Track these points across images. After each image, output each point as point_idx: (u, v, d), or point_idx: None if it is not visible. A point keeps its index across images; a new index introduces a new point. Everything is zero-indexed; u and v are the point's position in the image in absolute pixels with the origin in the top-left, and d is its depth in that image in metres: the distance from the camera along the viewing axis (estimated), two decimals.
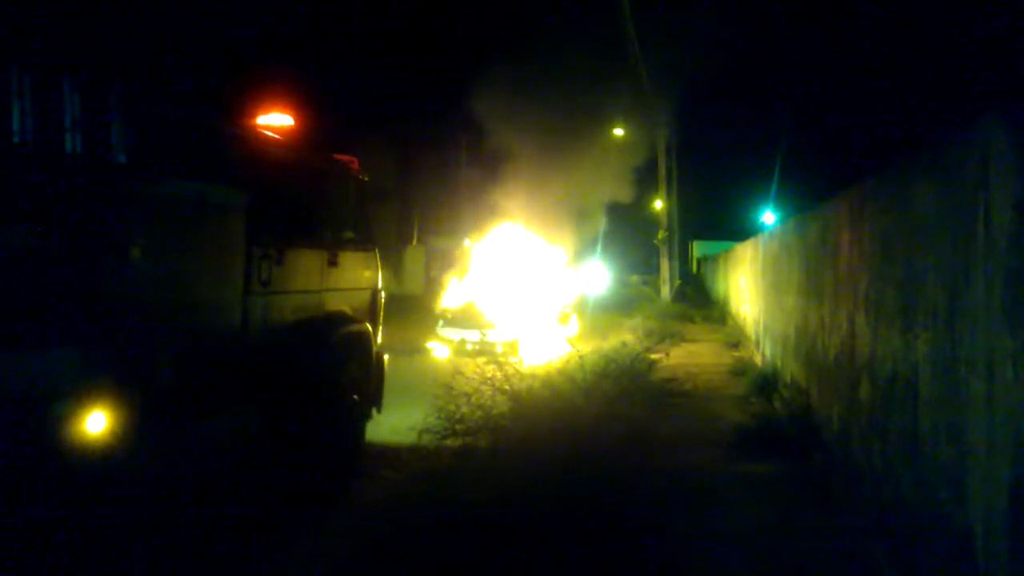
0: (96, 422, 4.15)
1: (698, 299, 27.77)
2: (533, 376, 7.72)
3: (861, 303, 5.35)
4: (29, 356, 3.95)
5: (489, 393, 7.06)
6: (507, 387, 7.14)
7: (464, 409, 6.87)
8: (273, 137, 6.46)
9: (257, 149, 6.07)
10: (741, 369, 12.09)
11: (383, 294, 8.12)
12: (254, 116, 6.59)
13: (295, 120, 6.96)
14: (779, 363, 9.87)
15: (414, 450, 6.87)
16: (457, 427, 6.73)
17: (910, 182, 4.30)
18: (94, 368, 4.21)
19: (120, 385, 4.30)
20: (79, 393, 4.10)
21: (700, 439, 7.17)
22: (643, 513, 4.81)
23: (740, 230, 33.50)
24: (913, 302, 4.12)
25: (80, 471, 4.06)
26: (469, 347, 14.44)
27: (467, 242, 19.53)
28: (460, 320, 15.53)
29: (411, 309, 20.51)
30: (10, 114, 4.14)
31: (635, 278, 40.21)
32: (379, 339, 7.91)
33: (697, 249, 49.28)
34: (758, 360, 12.35)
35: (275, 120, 6.73)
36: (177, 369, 4.90)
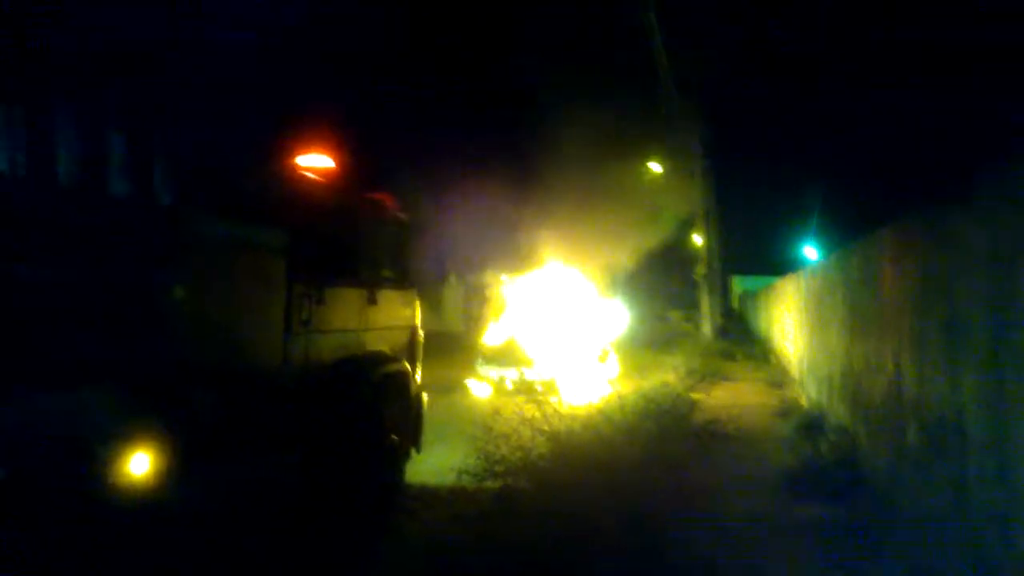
0: (138, 462, 4.20)
1: (740, 336, 27.43)
2: (572, 416, 7.65)
3: (906, 343, 5.24)
4: (72, 396, 4.01)
5: (528, 434, 7.00)
6: (546, 428, 7.08)
7: (503, 450, 6.81)
8: (313, 178, 6.56)
9: (297, 190, 6.16)
10: (785, 410, 11.86)
11: (422, 332, 8.14)
12: (295, 157, 6.70)
13: (335, 160, 7.06)
14: (825, 404, 9.68)
15: (453, 491, 6.83)
16: (496, 468, 6.67)
17: (953, 217, 4.22)
18: (136, 408, 4.26)
19: (162, 425, 4.34)
20: (121, 434, 4.14)
21: (744, 483, 7.01)
22: (688, 561, 4.71)
23: (782, 265, 33.10)
24: (959, 342, 4.02)
25: (122, 511, 4.09)
26: (509, 385, 14.41)
27: (506, 279, 19.55)
28: (499, 358, 15.50)
29: (451, 346, 20.52)
30: (57, 158, 4.27)
31: (676, 314, 39.84)
32: (418, 378, 7.92)
33: (738, 284, 48.79)
34: (803, 400, 12.12)
35: (315, 161, 6.84)
36: (218, 409, 4.94)
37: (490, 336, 17.16)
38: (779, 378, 16.36)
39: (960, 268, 4.06)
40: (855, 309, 7.44)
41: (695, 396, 10.49)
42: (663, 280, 35.52)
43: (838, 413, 8.40)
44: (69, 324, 4.07)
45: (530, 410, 7.37)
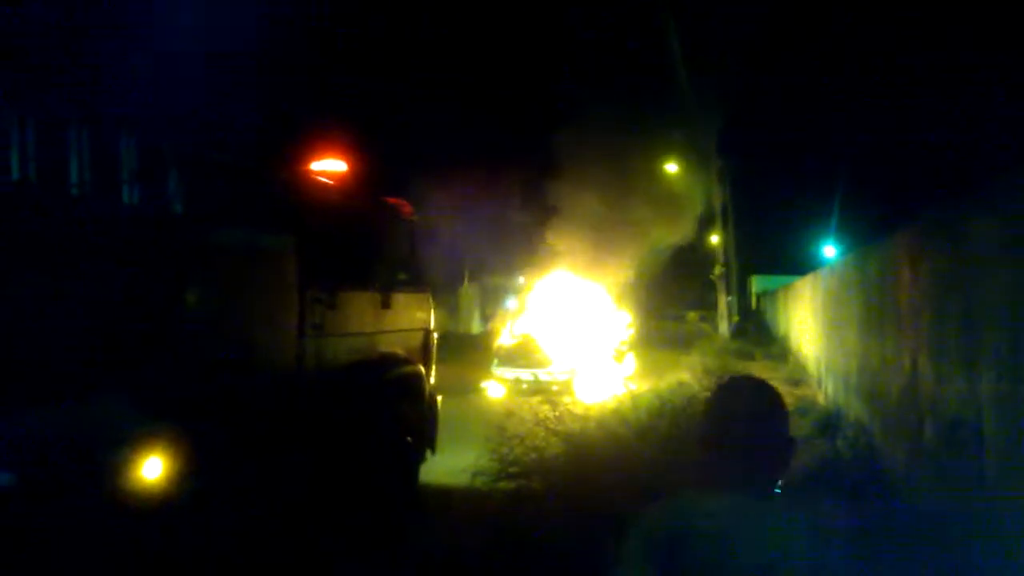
0: (152, 468, 4.22)
1: (757, 335, 27.24)
2: (587, 417, 7.64)
3: (923, 342, 5.19)
4: (85, 403, 4.03)
5: (542, 435, 7.00)
6: (561, 428, 7.07)
7: (517, 451, 6.81)
8: (325, 182, 6.58)
9: (310, 195, 6.17)
10: (803, 408, 11.76)
11: (436, 335, 8.15)
12: (308, 162, 6.72)
13: (348, 164, 7.07)
14: (842, 402, 9.60)
15: (468, 492, 6.83)
16: (511, 469, 6.67)
17: (971, 218, 4.17)
18: (150, 414, 4.28)
19: (175, 431, 4.36)
20: (135, 439, 4.17)
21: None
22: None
23: (800, 264, 32.87)
24: (975, 342, 3.98)
25: (136, 516, 4.11)
26: (524, 386, 14.40)
27: (522, 280, 19.55)
28: (514, 359, 15.50)
29: (466, 348, 20.55)
30: (68, 168, 4.29)
31: (693, 314, 39.74)
32: (432, 380, 7.93)
33: (756, 284, 48.46)
34: (820, 399, 12.03)
35: (328, 166, 6.85)
36: (232, 414, 4.96)
37: (505, 337, 17.16)
38: (797, 376, 16.25)
39: (978, 267, 4.01)
40: (872, 308, 7.38)
41: None
42: (680, 280, 35.42)
43: (855, 411, 8.33)
44: (81, 332, 4.10)
45: (545, 411, 7.37)
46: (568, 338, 16.08)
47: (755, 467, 1.88)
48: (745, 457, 1.87)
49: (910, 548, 5.13)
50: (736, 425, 1.88)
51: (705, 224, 27.11)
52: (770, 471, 1.92)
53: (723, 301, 27.04)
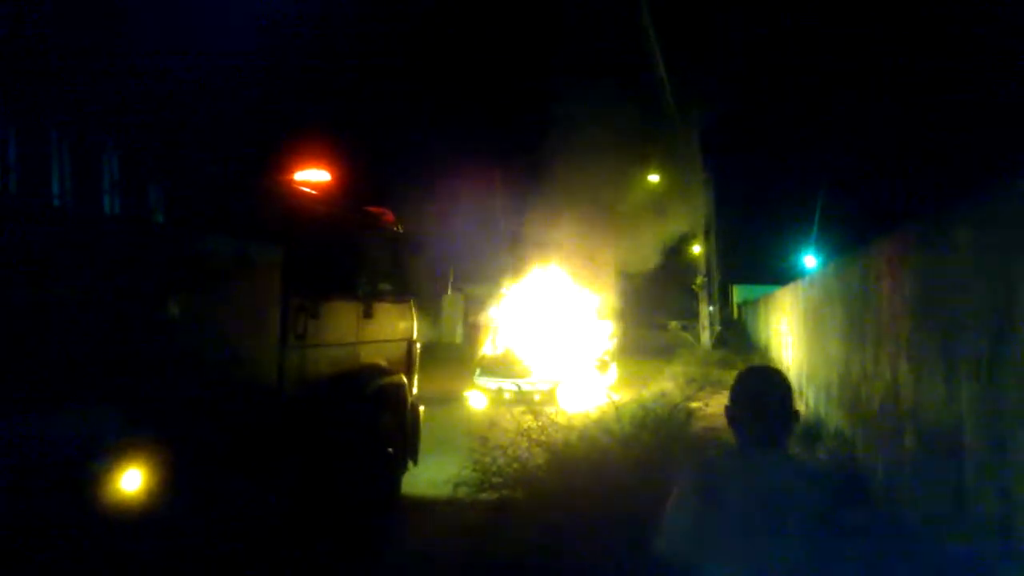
0: (133, 477, 4.18)
1: (739, 345, 27.36)
2: (570, 427, 7.63)
3: (903, 351, 5.23)
4: (67, 411, 3.99)
5: (525, 445, 6.98)
6: (543, 439, 7.06)
7: (500, 461, 6.79)
8: (308, 192, 6.56)
9: (293, 204, 6.16)
10: None
11: (418, 345, 8.13)
12: (291, 172, 6.70)
13: (331, 174, 7.06)
14: (823, 411, 9.65)
15: (450, 503, 6.79)
16: (493, 480, 6.65)
17: (950, 228, 4.22)
18: (132, 423, 4.24)
19: (157, 439, 4.32)
20: (116, 448, 4.13)
21: None
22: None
23: (782, 274, 33.07)
24: (955, 351, 4.01)
25: (117, 525, 4.07)
26: (506, 396, 14.35)
27: (504, 290, 19.53)
28: (497, 369, 15.46)
29: (448, 358, 20.50)
30: (50, 178, 4.26)
31: (674, 323, 39.87)
32: (415, 390, 7.90)
33: (738, 294, 48.80)
34: (801, 408, 12.10)
35: (312, 175, 6.84)
36: (214, 423, 4.93)
37: (488, 347, 17.13)
38: None
39: (957, 277, 4.05)
40: (853, 317, 7.43)
41: (693, 405, 10.43)
42: (662, 290, 35.49)
43: (836, 421, 8.37)
44: (64, 341, 4.06)
45: (528, 421, 7.35)
46: (551, 348, 16.08)
47: (783, 430, 2.55)
48: (776, 421, 2.53)
49: (888, 556, 5.16)
50: (770, 399, 2.55)
51: (688, 234, 27.22)
52: (788, 433, 2.59)
53: (705, 311, 27.14)
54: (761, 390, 2.59)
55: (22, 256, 3.96)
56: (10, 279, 3.90)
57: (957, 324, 4.01)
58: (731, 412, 2.60)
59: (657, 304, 36.28)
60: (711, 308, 27.25)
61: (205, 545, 4.69)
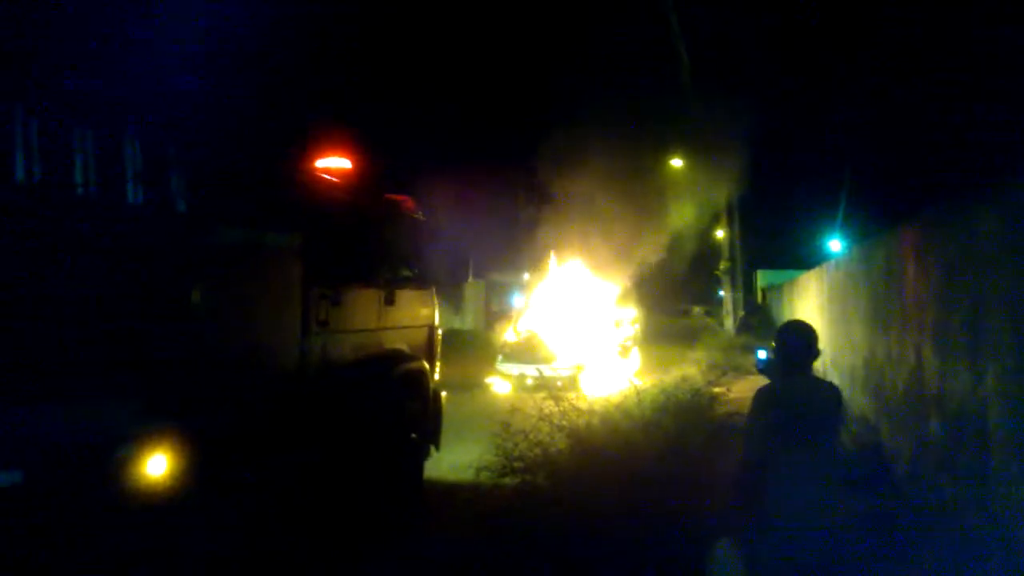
0: (156, 466, 4.23)
1: (763, 330, 27.13)
2: (592, 412, 7.62)
3: (928, 335, 5.17)
4: (90, 400, 4.04)
5: (547, 430, 6.99)
6: (565, 424, 7.06)
7: (522, 446, 6.80)
8: (329, 180, 6.58)
9: (314, 192, 6.18)
10: None
11: (440, 331, 8.15)
12: (312, 160, 6.72)
13: (352, 162, 7.06)
14: (847, 396, 9.58)
15: (472, 488, 6.83)
16: (515, 465, 6.66)
17: (975, 211, 4.16)
18: (155, 412, 4.29)
19: (180, 428, 4.37)
20: (139, 437, 4.17)
21: None
22: (703, 553, 4.68)
23: (807, 258, 32.80)
24: (980, 335, 3.97)
25: (140, 514, 4.12)
26: (528, 382, 14.38)
27: (527, 276, 19.53)
28: (519, 355, 15.49)
29: (471, 344, 20.57)
30: (73, 168, 4.30)
31: (698, 309, 39.69)
32: (437, 376, 7.93)
33: (762, 278, 48.35)
34: None
35: (333, 163, 6.85)
36: (237, 411, 4.97)
37: (510, 333, 17.15)
38: None
39: (983, 262, 4.00)
40: (878, 302, 7.37)
41: (716, 390, 10.40)
42: (685, 275, 35.31)
43: (860, 405, 8.32)
44: (87, 331, 4.11)
45: (549, 406, 7.35)
46: (573, 334, 16.07)
47: (808, 361, 3.74)
48: (805, 354, 3.71)
49: (915, 540, 5.12)
50: (813, 347, 3.72)
51: (711, 219, 27.02)
52: (810, 364, 3.77)
53: (728, 296, 26.97)
54: (809, 338, 3.72)
55: (46, 245, 4.02)
56: (35, 268, 3.96)
57: (982, 308, 3.96)
58: (767, 357, 3.96)
59: (680, 290, 36.12)
60: (735, 293, 27.05)
61: (229, 533, 4.74)
